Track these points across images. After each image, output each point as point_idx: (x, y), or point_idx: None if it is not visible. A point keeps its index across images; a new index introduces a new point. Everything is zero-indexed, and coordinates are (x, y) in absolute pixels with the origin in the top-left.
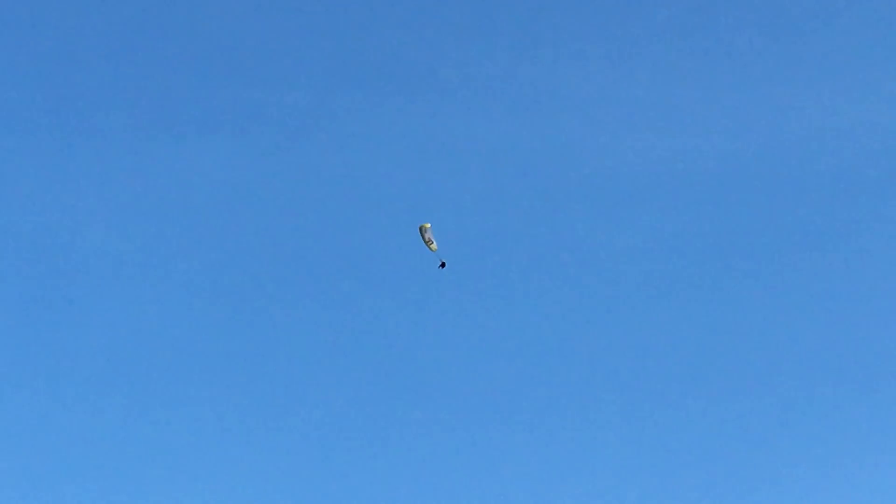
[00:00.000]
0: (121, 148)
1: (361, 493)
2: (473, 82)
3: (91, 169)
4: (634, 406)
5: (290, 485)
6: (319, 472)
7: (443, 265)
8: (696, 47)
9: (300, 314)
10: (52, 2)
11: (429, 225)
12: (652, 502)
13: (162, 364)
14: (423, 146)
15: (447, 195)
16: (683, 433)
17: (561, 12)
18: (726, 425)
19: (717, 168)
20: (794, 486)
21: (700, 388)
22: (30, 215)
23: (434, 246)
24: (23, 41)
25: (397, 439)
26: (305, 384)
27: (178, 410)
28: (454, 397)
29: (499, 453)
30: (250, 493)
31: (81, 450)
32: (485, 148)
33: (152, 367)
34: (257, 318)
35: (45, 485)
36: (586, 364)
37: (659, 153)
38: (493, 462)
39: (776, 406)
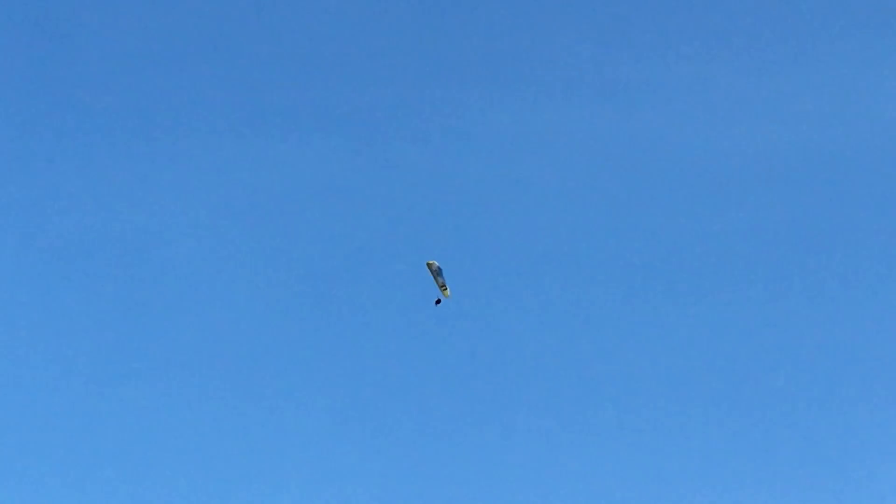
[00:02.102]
0: (216, 148)
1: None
2: (563, 76)
3: (187, 170)
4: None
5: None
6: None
7: (438, 302)
8: (788, 38)
9: (397, 312)
10: (148, 4)
11: (436, 264)
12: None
13: (259, 363)
14: (513, 140)
15: (538, 188)
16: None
17: (651, 5)
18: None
19: (810, 159)
20: (795, 487)
21: (810, 387)
22: (127, 217)
23: (447, 292)
24: (115, 43)
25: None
26: (407, 380)
27: (278, 409)
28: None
29: (535, 453)
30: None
31: (184, 446)
32: (575, 142)
33: (249, 366)
34: (354, 316)
35: (150, 480)
36: (687, 353)
37: (751, 145)
38: (514, 463)
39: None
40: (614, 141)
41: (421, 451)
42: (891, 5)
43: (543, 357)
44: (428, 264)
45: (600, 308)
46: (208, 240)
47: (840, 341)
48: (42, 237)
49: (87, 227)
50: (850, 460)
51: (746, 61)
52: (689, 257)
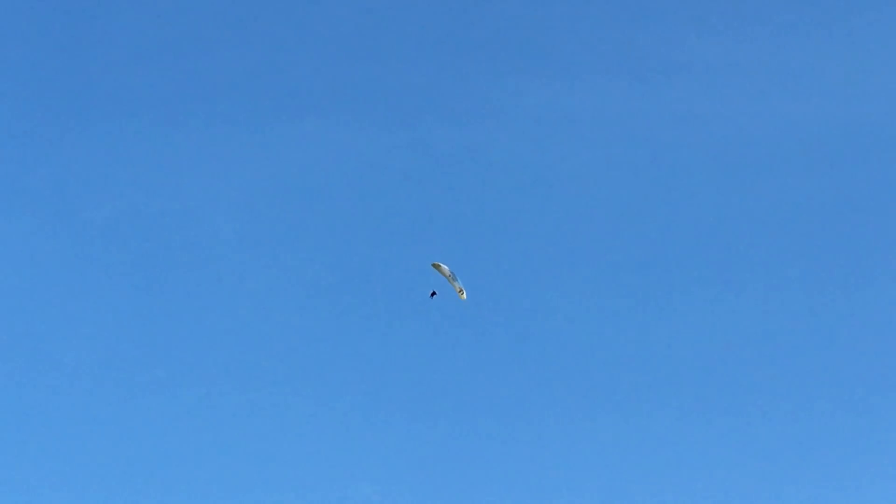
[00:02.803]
0: (244, 131)
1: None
2: (592, 53)
3: (210, 154)
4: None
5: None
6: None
7: (433, 294)
8: (819, 12)
9: (424, 294)
10: None
11: (446, 268)
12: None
13: (281, 349)
14: (543, 118)
15: (570, 167)
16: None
17: None
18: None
19: (841, 134)
20: (794, 484)
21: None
22: (151, 201)
23: (463, 295)
24: (140, 26)
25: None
26: (431, 368)
27: (297, 394)
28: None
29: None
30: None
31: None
32: (606, 119)
33: (272, 351)
34: (378, 298)
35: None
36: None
37: (782, 119)
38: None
39: None
40: (645, 120)
41: (432, 442)
42: None
43: (572, 341)
44: (435, 266)
45: (631, 290)
46: (236, 222)
47: (871, 326)
48: (69, 221)
49: (115, 211)
50: (852, 453)
51: (776, 37)
52: (720, 237)
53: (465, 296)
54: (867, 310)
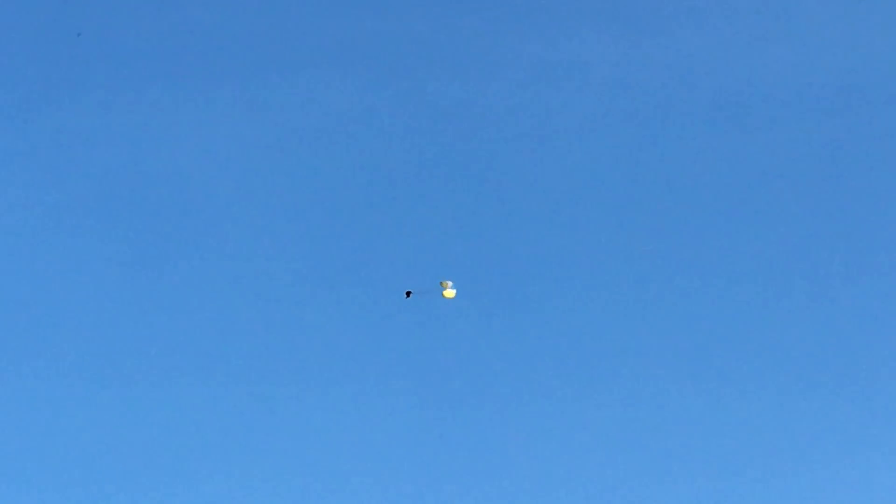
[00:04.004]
0: (236, 85)
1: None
2: (589, 4)
3: (205, 108)
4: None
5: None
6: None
7: (408, 294)
8: None
9: (418, 250)
10: None
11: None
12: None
13: (279, 305)
14: (537, 69)
15: (565, 118)
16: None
17: None
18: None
19: (838, 85)
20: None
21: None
22: (145, 156)
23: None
24: None
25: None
26: (425, 326)
27: (298, 352)
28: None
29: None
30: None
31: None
32: (605, 70)
33: (269, 307)
34: (373, 254)
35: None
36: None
37: (782, 68)
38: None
39: None
40: (644, 72)
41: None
42: None
43: (574, 300)
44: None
45: (625, 249)
46: (231, 177)
47: (871, 278)
48: (62, 177)
49: (109, 167)
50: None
51: None
52: (720, 188)
53: (449, 293)
54: (868, 262)
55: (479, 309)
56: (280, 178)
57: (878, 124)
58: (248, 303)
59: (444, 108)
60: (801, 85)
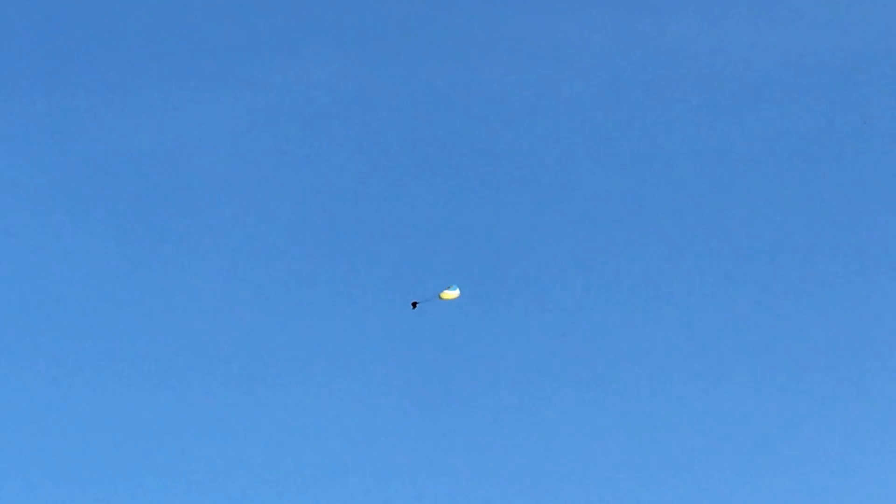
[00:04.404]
0: (227, 66)
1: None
2: None
3: (202, 89)
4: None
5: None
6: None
7: (414, 305)
8: None
9: (411, 234)
10: None
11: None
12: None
13: (276, 285)
14: (533, 49)
15: (559, 98)
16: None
17: None
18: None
19: (832, 65)
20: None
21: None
22: (143, 137)
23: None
24: None
25: None
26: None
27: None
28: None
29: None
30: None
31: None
32: (602, 52)
33: (267, 286)
34: (373, 234)
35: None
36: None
37: (771, 50)
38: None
39: None
40: (642, 52)
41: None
42: None
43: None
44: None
45: (623, 225)
46: (229, 159)
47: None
48: (59, 157)
49: (107, 147)
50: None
51: None
52: (716, 169)
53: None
54: (866, 239)
55: (475, 299)
56: (273, 160)
57: (875, 105)
58: (243, 288)
59: (439, 90)
60: (797, 65)
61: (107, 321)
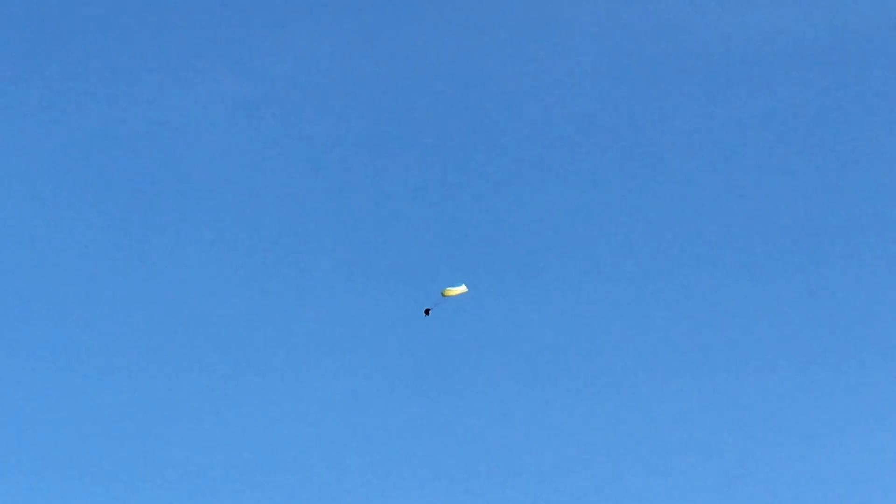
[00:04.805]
0: (227, 37)
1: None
2: None
3: (194, 63)
4: None
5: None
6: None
7: (427, 312)
8: None
9: (410, 212)
10: None
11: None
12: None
13: (270, 257)
14: (528, 26)
15: (554, 75)
16: None
17: None
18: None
19: (833, 41)
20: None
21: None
22: (134, 112)
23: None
24: None
25: None
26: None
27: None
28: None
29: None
30: None
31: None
32: (590, 26)
33: (261, 258)
34: (365, 207)
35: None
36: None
37: (769, 27)
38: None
39: None
40: (634, 30)
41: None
42: None
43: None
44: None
45: (620, 210)
46: (220, 134)
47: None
48: (51, 132)
49: (99, 122)
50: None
51: None
52: (710, 146)
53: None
54: (863, 213)
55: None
56: (267, 133)
57: (876, 74)
58: (234, 271)
59: (434, 65)
60: (796, 42)
61: (95, 303)
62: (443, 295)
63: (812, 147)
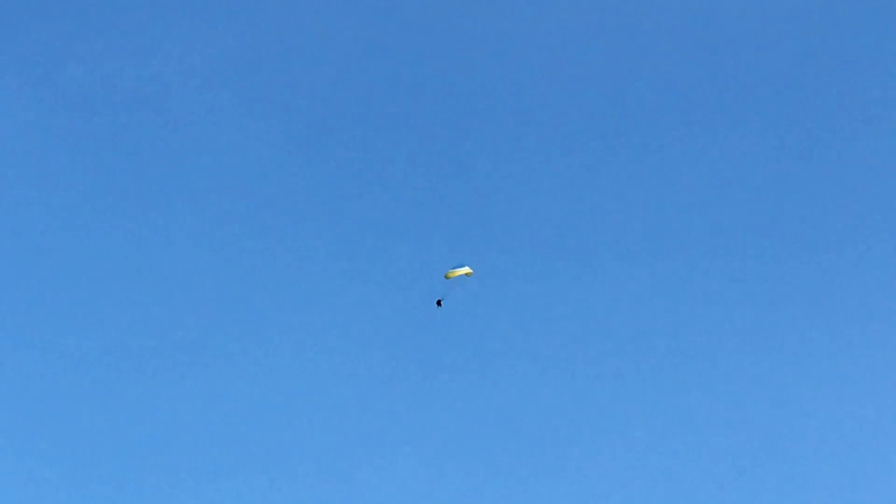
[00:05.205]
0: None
1: None
2: None
3: (182, 19)
4: None
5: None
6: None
7: (439, 303)
8: None
9: (406, 158)
10: None
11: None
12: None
13: (258, 215)
14: None
15: (553, 36)
16: None
17: None
18: None
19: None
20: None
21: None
22: (120, 68)
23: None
24: None
25: None
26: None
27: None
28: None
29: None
30: None
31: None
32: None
33: (249, 218)
34: (356, 167)
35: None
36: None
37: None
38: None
39: None
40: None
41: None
42: None
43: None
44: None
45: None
46: (207, 93)
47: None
48: (37, 87)
49: (84, 77)
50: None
51: None
52: (708, 102)
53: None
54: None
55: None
56: (255, 91)
57: (877, 47)
58: (224, 235)
59: (425, 24)
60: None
61: (82, 264)
62: (447, 277)
63: (812, 140)
